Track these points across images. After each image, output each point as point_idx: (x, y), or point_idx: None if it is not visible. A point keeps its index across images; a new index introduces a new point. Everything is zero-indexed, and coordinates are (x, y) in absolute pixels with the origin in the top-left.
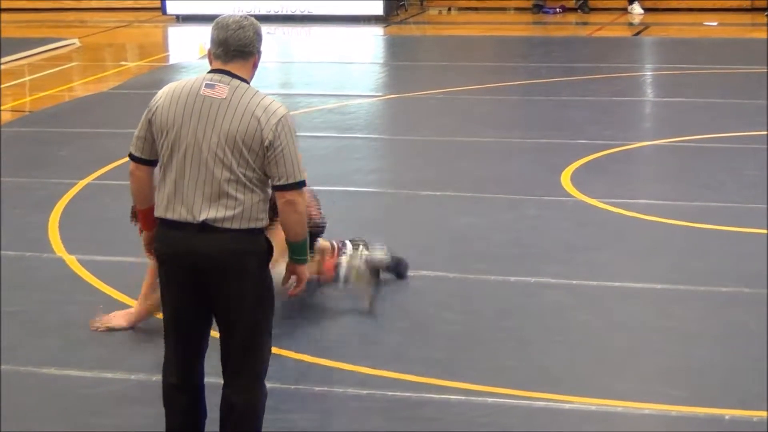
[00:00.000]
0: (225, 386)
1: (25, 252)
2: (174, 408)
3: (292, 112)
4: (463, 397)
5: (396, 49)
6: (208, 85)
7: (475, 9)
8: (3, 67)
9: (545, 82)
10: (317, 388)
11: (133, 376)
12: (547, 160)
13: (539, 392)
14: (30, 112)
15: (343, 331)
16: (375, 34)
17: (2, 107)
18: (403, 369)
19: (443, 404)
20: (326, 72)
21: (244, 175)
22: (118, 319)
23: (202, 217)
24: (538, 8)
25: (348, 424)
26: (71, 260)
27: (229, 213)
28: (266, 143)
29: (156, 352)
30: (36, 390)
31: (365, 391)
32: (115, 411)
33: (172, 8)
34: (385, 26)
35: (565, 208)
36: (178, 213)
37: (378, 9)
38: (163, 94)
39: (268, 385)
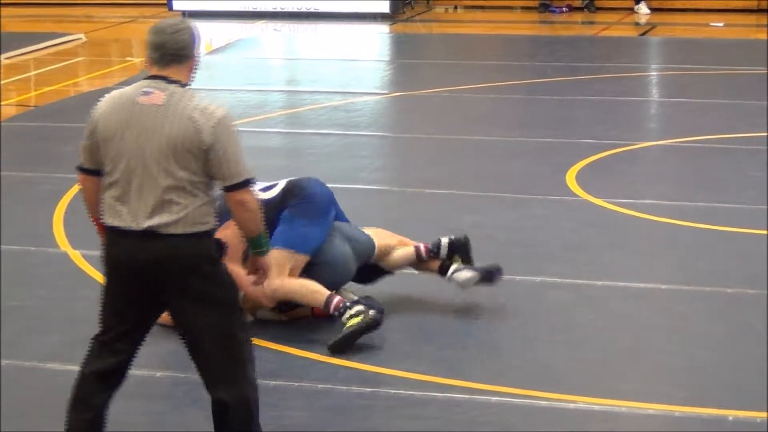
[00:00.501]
0: (212, 389)
1: (30, 247)
2: (87, 404)
3: (297, 109)
4: (466, 396)
5: (402, 47)
6: (144, 93)
7: (482, 7)
8: (8, 61)
9: (551, 81)
10: (320, 386)
11: (136, 372)
12: (552, 159)
13: (543, 391)
14: (35, 106)
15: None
16: (381, 32)
17: (8, 102)
18: (406, 367)
19: (447, 403)
20: (332, 69)
21: (188, 180)
22: None
23: (146, 224)
24: (544, 7)
25: (351, 422)
26: (76, 255)
27: (173, 218)
28: (206, 146)
29: (159, 348)
30: (40, 384)
31: (369, 389)
32: (118, 406)
33: (177, 4)
34: (391, 24)
35: (570, 208)
36: (123, 220)
37: (384, 7)
38: (103, 103)
39: (272, 382)
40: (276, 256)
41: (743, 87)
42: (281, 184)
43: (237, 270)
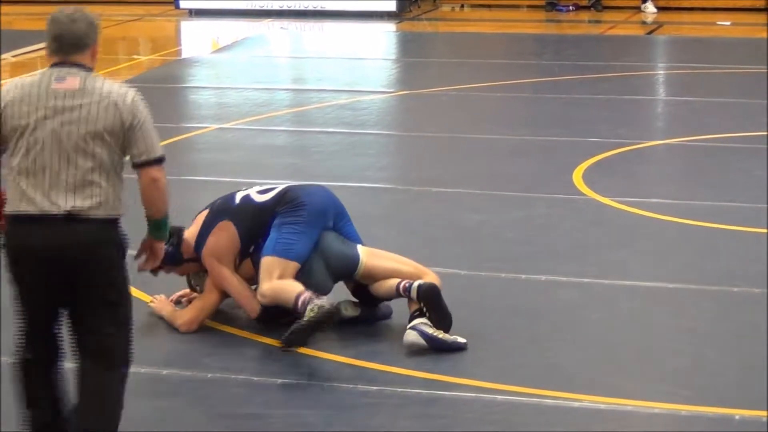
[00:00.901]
0: (87, 367)
1: None
2: (33, 385)
3: (304, 108)
4: (473, 395)
5: (408, 46)
6: (58, 79)
7: (488, 6)
8: (16, 59)
9: (557, 80)
10: (326, 384)
11: (142, 369)
12: (558, 158)
13: (549, 390)
14: None
15: (352, 327)
16: (387, 31)
17: None
18: (413, 366)
19: (453, 401)
20: (338, 68)
21: (109, 161)
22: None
23: (68, 206)
24: (551, 6)
25: (357, 421)
26: None
27: (95, 201)
28: (126, 125)
29: (166, 345)
30: None
31: (375, 388)
32: (123, 403)
33: (184, 3)
34: (398, 22)
35: (577, 207)
36: (38, 206)
37: (391, 5)
38: (10, 90)
39: (278, 380)
40: (266, 263)
41: (750, 86)
42: (278, 188)
43: (229, 276)
